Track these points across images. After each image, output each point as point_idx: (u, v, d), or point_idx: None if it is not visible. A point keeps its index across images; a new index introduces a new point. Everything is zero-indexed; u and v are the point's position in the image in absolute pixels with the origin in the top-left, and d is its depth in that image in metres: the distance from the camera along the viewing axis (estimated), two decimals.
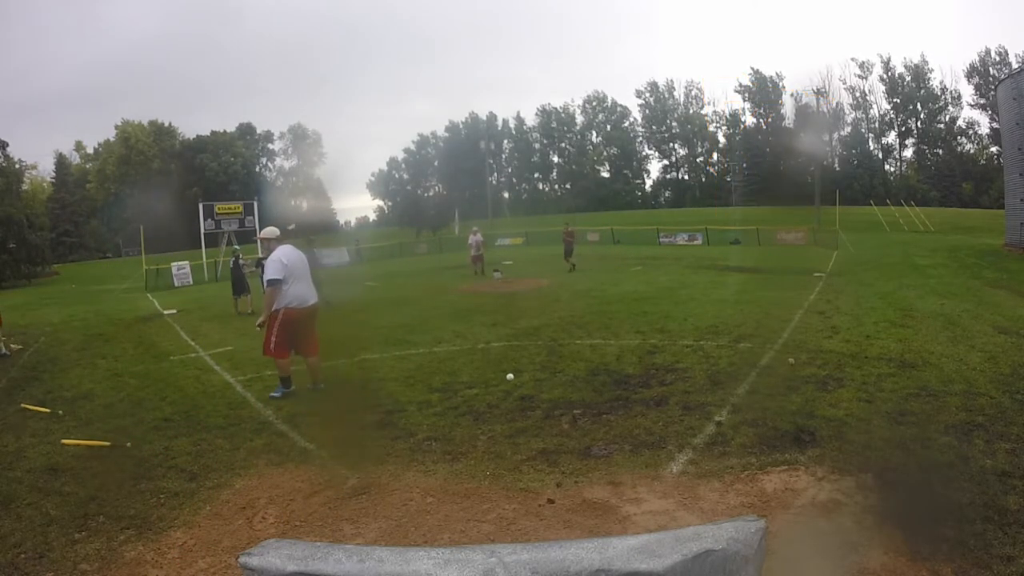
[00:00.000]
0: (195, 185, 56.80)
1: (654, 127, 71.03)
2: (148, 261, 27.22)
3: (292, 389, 5.93)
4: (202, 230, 29.04)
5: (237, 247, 15.37)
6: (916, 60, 60.59)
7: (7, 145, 44.69)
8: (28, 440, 5.05)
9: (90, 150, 64.86)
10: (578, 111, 73.44)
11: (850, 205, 44.16)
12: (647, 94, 71.16)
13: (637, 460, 4.05)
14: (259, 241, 6.35)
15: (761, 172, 59.50)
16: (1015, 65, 50.21)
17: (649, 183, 73.37)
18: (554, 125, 73.35)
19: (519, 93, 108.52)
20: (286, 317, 5.79)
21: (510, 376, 6.18)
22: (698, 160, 70.90)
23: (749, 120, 67.43)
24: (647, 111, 71.19)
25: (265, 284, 5.80)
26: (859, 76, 62.45)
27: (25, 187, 53.47)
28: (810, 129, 53.75)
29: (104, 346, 9.74)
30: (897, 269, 15.13)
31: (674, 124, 70.68)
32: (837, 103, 61.10)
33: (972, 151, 59.12)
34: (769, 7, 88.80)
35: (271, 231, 6.19)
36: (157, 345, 9.61)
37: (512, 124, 74.22)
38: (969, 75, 58.16)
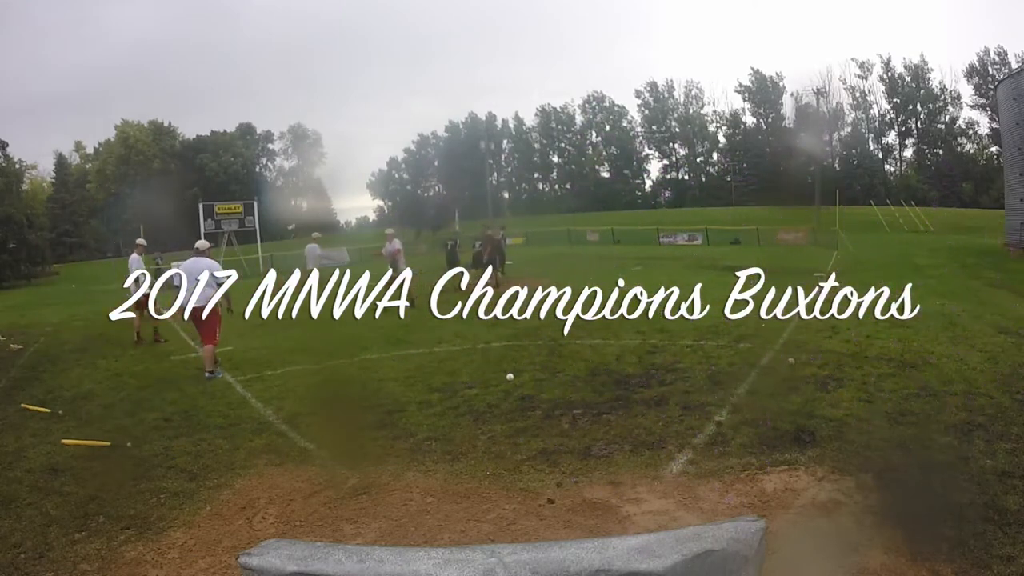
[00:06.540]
0: (195, 185, 56.63)
1: (654, 127, 70.91)
2: (148, 261, 27.15)
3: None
4: (202, 230, 29.21)
5: (457, 230, 15.53)
6: (916, 60, 60.51)
7: (7, 145, 44.67)
8: (28, 440, 5.05)
9: (90, 150, 64.78)
10: (577, 111, 73.31)
11: (850, 205, 44.07)
12: (646, 94, 71.08)
13: (637, 460, 4.05)
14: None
15: (761, 172, 59.38)
16: (1015, 65, 50.11)
17: (649, 183, 73.16)
18: (554, 125, 73.20)
19: (519, 93, 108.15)
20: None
21: (510, 376, 6.18)
22: (698, 160, 70.81)
23: (749, 120, 67.41)
24: (646, 111, 71.09)
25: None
26: (859, 76, 62.37)
27: (25, 187, 53.41)
28: (810, 129, 53.68)
29: (104, 346, 9.74)
30: (897, 269, 15.11)
31: (674, 124, 70.59)
32: (837, 103, 60.99)
33: (972, 151, 59.03)
34: (769, 7, 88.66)
35: (202, 243, 7.66)
36: (157, 345, 9.62)
37: (512, 124, 74.14)
38: (969, 75, 58.06)
